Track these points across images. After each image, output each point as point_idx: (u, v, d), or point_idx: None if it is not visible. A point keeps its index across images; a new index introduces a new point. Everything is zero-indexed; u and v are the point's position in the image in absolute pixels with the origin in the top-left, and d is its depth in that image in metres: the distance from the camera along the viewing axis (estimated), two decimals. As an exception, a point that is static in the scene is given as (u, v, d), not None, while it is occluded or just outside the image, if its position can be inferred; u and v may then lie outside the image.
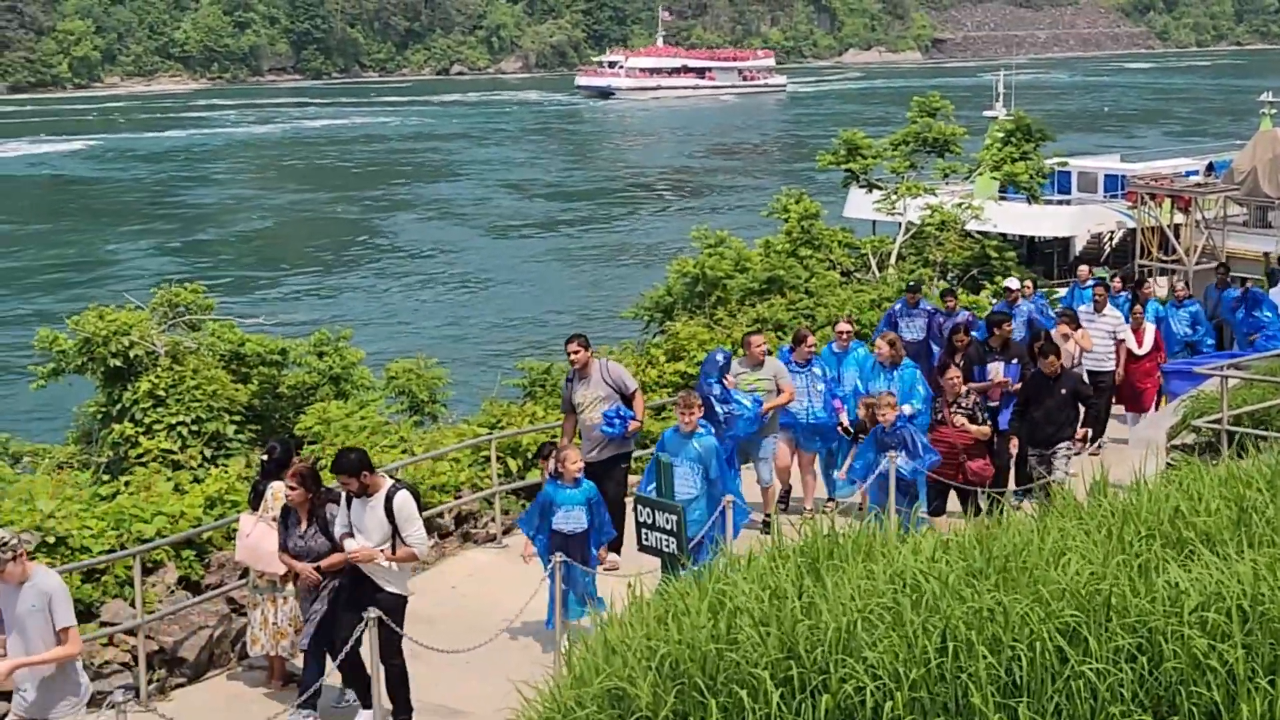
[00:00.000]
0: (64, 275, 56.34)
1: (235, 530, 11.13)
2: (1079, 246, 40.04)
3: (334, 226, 69.20)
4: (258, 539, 10.54)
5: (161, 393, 17.62)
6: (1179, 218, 35.00)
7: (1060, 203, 39.53)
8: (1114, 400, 17.61)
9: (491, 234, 66.34)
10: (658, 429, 15.32)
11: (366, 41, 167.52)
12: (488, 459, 14.83)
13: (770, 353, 14.42)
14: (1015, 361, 14.62)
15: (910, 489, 12.65)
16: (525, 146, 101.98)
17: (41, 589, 8.23)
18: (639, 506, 11.10)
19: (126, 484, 13.87)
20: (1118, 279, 21.40)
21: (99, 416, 18.40)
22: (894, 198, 31.21)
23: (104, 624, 10.90)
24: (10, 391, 36.77)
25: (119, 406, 17.81)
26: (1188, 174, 38.27)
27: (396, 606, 9.61)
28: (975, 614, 5.91)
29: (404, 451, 15.21)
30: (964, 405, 13.13)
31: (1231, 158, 37.47)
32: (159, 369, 17.85)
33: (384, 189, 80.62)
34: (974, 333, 15.15)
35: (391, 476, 10.30)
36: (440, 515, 14.12)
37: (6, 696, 8.74)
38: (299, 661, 10.58)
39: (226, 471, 13.70)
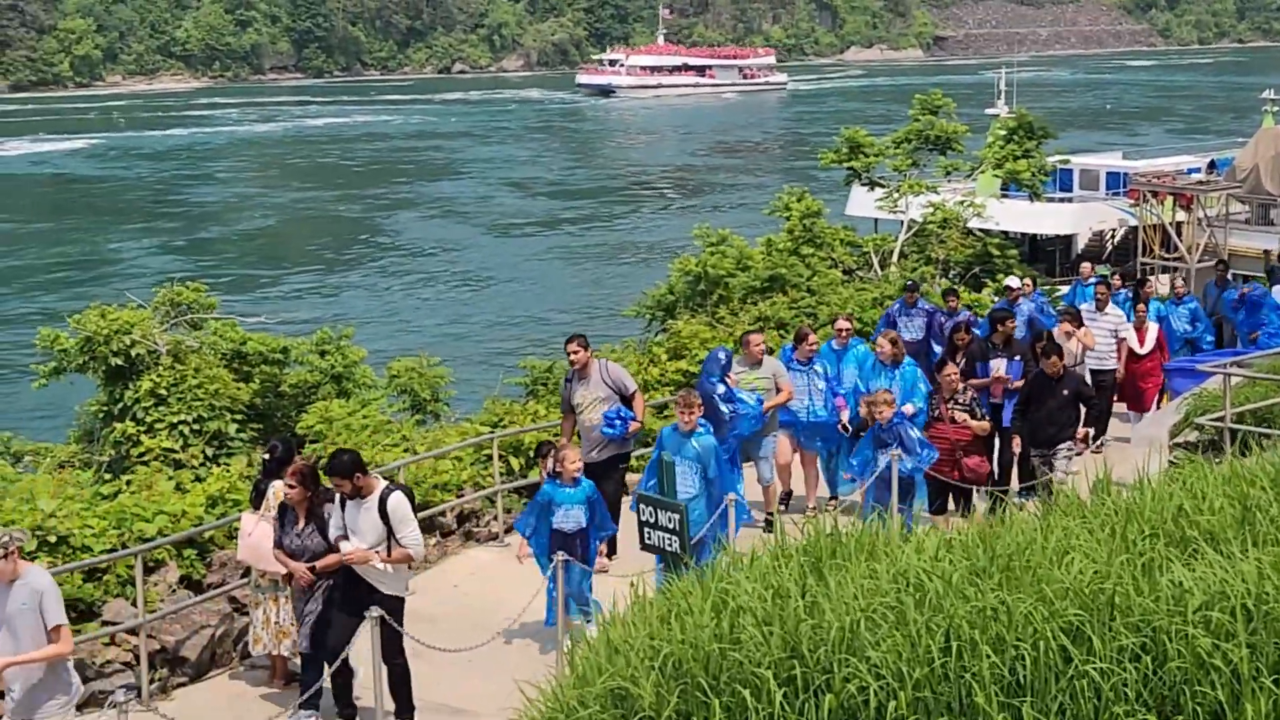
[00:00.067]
0: (66, 274, 56.36)
1: (237, 529, 11.13)
2: (1081, 244, 40.09)
3: (336, 225, 69.20)
4: (259, 538, 10.52)
5: (163, 391, 17.62)
6: (1181, 215, 35.05)
7: (1062, 200, 39.51)
8: (1115, 399, 17.60)
9: (493, 232, 66.34)
10: (660, 427, 15.28)
11: (368, 40, 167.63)
12: (490, 457, 14.85)
13: (769, 351, 14.39)
14: (1018, 359, 14.63)
15: (909, 487, 12.63)
16: (527, 145, 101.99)
17: (33, 587, 8.20)
18: (641, 505, 11.07)
19: (128, 483, 13.86)
20: (1116, 276, 21.38)
21: (100, 415, 18.40)
22: (896, 196, 31.20)
23: (105, 623, 10.88)
24: (12, 390, 36.82)
25: (120, 405, 17.81)
26: (1190, 172, 38.27)
27: (394, 608, 9.56)
28: (979, 613, 5.89)
29: (406, 450, 15.21)
30: (960, 401, 13.11)
31: (1233, 155, 37.49)
32: (161, 368, 17.85)
33: (386, 187, 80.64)
34: (975, 330, 15.12)
35: (388, 477, 10.27)
36: (442, 514, 14.11)
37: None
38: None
39: (228, 470, 13.68)
